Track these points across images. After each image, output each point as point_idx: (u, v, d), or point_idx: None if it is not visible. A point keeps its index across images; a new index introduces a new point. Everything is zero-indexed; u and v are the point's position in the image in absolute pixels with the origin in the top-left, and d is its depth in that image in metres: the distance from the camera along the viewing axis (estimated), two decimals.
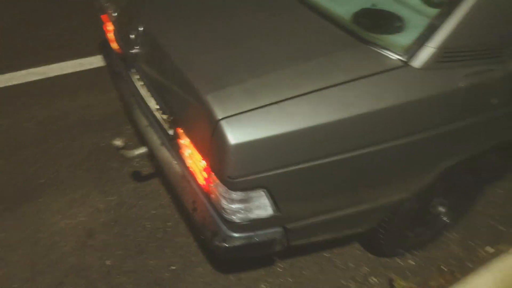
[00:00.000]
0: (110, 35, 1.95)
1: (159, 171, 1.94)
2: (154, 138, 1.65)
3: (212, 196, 1.29)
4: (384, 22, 1.39)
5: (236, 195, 1.18)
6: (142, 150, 1.77)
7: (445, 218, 1.92)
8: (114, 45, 1.97)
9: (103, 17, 1.98)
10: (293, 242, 1.44)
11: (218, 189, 1.21)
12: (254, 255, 1.43)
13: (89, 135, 2.51)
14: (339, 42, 1.33)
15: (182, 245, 1.96)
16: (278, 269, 1.88)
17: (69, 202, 2.13)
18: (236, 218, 1.25)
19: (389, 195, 1.42)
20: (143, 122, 1.73)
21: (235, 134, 1.08)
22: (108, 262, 1.88)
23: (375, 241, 1.77)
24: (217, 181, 1.20)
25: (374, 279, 1.86)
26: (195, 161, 1.34)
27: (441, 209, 1.87)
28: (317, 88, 1.18)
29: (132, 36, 1.56)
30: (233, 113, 1.11)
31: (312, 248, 1.94)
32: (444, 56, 1.26)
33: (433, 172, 1.42)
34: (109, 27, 1.94)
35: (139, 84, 1.74)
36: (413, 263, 1.93)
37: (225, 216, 1.25)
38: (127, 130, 2.56)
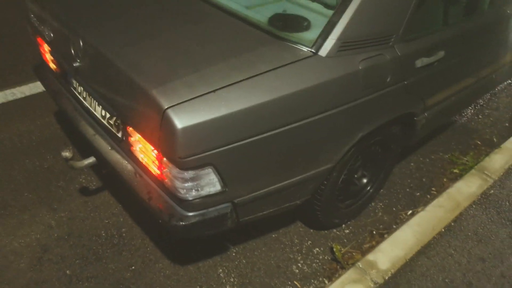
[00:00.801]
0: (48, 56, 2.05)
1: (111, 176, 2.04)
2: (103, 144, 1.78)
3: (166, 181, 1.45)
4: (294, 23, 1.68)
5: (187, 174, 1.36)
6: (91, 159, 1.89)
7: (369, 189, 2.22)
8: (52, 65, 2.07)
9: (39, 39, 2.08)
10: (242, 217, 1.64)
11: (171, 171, 1.38)
12: (209, 232, 1.60)
13: (30, 159, 2.53)
14: (259, 40, 1.59)
15: (139, 247, 2.07)
16: (232, 253, 2.06)
17: (18, 224, 2.15)
18: (189, 196, 1.42)
19: (316, 165, 1.68)
20: (90, 132, 1.85)
21: (181, 119, 1.28)
22: (68, 272, 1.93)
23: (313, 215, 2.02)
24: (170, 164, 1.37)
25: (317, 249, 2.10)
26: (147, 154, 1.50)
27: (364, 180, 2.17)
28: (246, 77, 1.41)
29: (73, 51, 1.70)
30: (177, 102, 1.30)
31: (260, 231, 2.15)
32: (343, 45, 1.56)
33: (349, 141, 1.71)
34: (46, 48, 2.04)
35: (82, 97, 1.86)
36: (348, 231, 2.21)
37: (180, 195, 1.42)
38: (69, 149, 2.61)
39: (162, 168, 1.44)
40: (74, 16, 1.80)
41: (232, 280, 1.94)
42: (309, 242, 2.14)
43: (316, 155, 1.65)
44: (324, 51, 1.54)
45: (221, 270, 1.98)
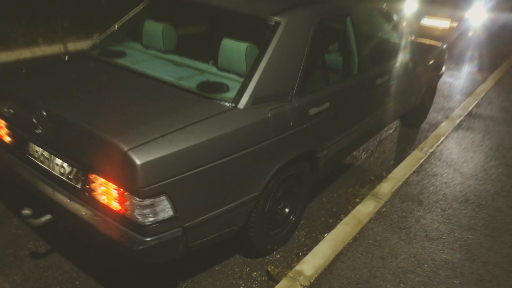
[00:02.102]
0: (3, 131, 2.33)
1: (66, 231, 2.26)
2: (62, 198, 2.06)
3: (127, 213, 1.79)
4: (217, 87, 2.24)
5: (145, 201, 1.73)
6: (47, 216, 2.15)
7: (292, 217, 2.70)
8: (7, 139, 2.35)
9: None
10: (191, 242, 1.99)
11: (131, 201, 1.74)
12: (165, 256, 1.92)
13: None
14: (192, 100, 2.11)
15: None
16: (183, 287, 2.34)
17: None
18: (147, 221, 1.77)
19: (246, 192, 2.13)
20: (48, 189, 2.12)
21: (139, 157, 1.68)
22: None
23: (248, 242, 2.41)
24: (130, 196, 1.74)
25: (255, 273, 2.47)
26: (108, 193, 1.84)
27: (287, 210, 2.65)
28: (185, 125, 1.88)
29: (35, 121, 2.04)
30: (135, 145, 1.71)
31: (205, 265, 2.47)
32: (255, 100, 2.13)
33: (269, 172, 2.20)
34: (1, 124, 2.33)
35: (40, 160, 2.16)
36: (279, 256, 2.62)
37: (139, 222, 1.77)
38: (14, 222, 2.75)
39: (123, 202, 1.79)
40: (34, 93, 2.17)
41: None
42: (248, 268, 2.50)
43: (244, 183, 2.12)
44: (241, 104, 2.09)
45: None
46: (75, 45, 6.77)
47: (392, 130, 4.59)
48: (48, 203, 2.14)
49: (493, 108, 5.16)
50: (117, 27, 2.93)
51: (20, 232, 2.66)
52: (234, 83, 2.29)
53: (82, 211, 1.99)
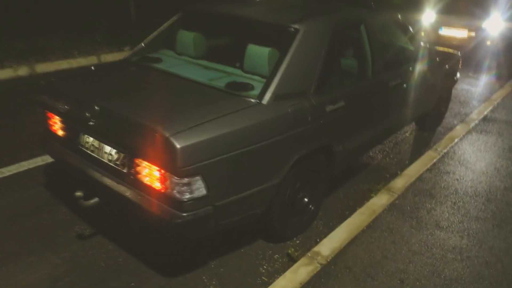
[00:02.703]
0: (58, 125, 2.69)
1: (117, 205, 2.56)
2: (110, 181, 2.38)
3: (168, 191, 2.09)
4: (243, 86, 2.54)
5: (183, 180, 2.03)
6: (96, 199, 2.48)
7: (311, 207, 2.94)
8: (60, 132, 2.71)
9: (49, 114, 2.73)
10: (220, 221, 2.27)
11: (171, 180, 2.04)
12: (199, 233, 2.21)
13: (28, 219, 2.96)
14: (222, 96, 2.42)
15: (135, 269, 2.55)
16: (211, 265, 2.61)
17: (27, 265, 2.55)
18: (184, 198, 2.07)
19: (268, 178, 2.40)
20: (97, 175, 2.45)
21: (179, 142, 1.99)
22: None
23: (271, 226, 2.67)
24: (170, 175, 2.04)
25: (277, 255, 2.72)
26: (151, 175, 2.15)
27: (306, 200, 2.90)
28: (217, 116, 2.19)
29: (88, 114, 2.38)
30: (175, 132, 2.02)
31: (231, 248, 2.74)
32: (276, 97, 2.42)
33: (289, 161, 2.48)
34: (56, 120, 2.69)
35: (90, 150, 2.49)
36: (298, 242, 2.86)
37: (178, 198, 2.06)
38: (62, 209, 3.10)
39: (164, 181, 2.09)
40: (87, 92, 2.53)
41: (214, 283, 2.48)
42: (270, 251, 2.75)
43: (267, 170, 2.39)
44: (265, 100, 2.38)
45: (204, 277, 2.51)
46: (106, 58, 7.27)
47: (408, 133, 4.79)
48: (96, 187, 2.47)
49: (508, 113, 5.29)
50: (152, 37, 3.29)
51: (68, 217, 3.00)
52: (258, 83, 2.59)
53: (127, 192, 2.30)
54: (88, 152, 2.52)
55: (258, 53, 2.65)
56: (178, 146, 1.98)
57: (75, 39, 7.61)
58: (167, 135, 2.00)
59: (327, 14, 2.95)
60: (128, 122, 2.22)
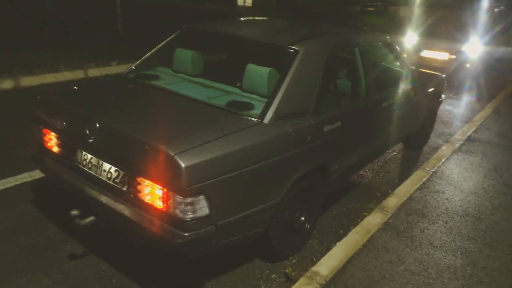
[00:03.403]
0: (53, 141, 2.64)
1: (115, 224, 2.49)
2: (108, 200, 2.34)
3: (170, 210, 2.07)
4: (244, 105, 2.55)
5: (187, 199, 2.01)
6: (91, 218, 2.42)
7: (307, 226, 2.95)
8: (56, 149, 2.65)
9: (45, 131, 2.68)
10: (222, 240, 2.25)
11: (174, 200, 2.02)
12: (200, 251, 2.18)
13: (16, 237, 2.86)
14: (223, 116, 2.42)
15: None
16: (208, 286, 2.57)
17: (16, 287, 2.46)
18: (187, 217, 2.04)
19: (270, 198, 2.40)
20: (95, 193, 2.40)
21: (184, 161, 1.98)
22: None
23: (269, 247, 2.66)
24: (174, 195, 2.02)
25: (274, 275, 2.70)
26: (153, 194, 2.12)
27: (302, 218, 2.91)
28: (220, 136, 2.19)
29: (87, 131, 2.35)
30: (180, 151, 2.01)
31: (227, 268, 2.70)
32: (277, 117, 2.44)
33: (289, 181, 2.49)
34: (52, 136, 2.63)
35: (87, 167, 2.44)
36: (295, 261, 2.85)
37: (180, 217, 2.03)
38: (51, 227, 3.00)
39: (166, 200, 2.06)
40: (87, 108, 2.50)
41: None
42: (267, 271, 2.73)
43: (268, 189, 2.39)
44: (266, 119, 2.40)
45: None
46: (94, 72, 7.20)
47: (396, 152, 4.88)
48: (93, 206, 2.41)
49: (490, 134, 5.47)
50: (149, 55, 3.29)
51: (58, 236, 2.91)
52: (257, 103, 2.61)
53: (127, 210, 2.26)
54: (85, 169, 2.47)
55: (258, 72, 2.68)
56: (183, 165, 1.96)
57: (62, 53, 7.52)
58: (172, 154, 1.99)
59: (325, 36, 3.02)
60: (130, 140, 2.19)
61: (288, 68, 2.61)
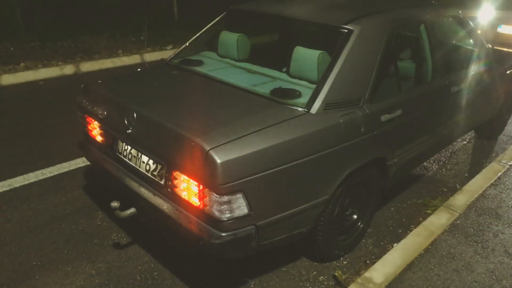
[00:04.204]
0: (96, 131, 2.60)
1: (146, 226, 2.45)
2: (147, 193, 2.25)
3: (206, 208, 1.92)
4: (290, 93, 2.32)
5: (223, 198, 1.85)
6: (132, 210, 2.35)
7: (359, 224, 2.69)
8: (99, 138, 2.61)
9: (88, 119, 2.65)
10: (262, 241, 2.07)
11: (210, 198, 1.87)
12: (238, 253, 2.02)
13: (66, 224, 2.91)
14: (267, 105, 2.21)
15: (170, 285, 2.42)
16: (251, 285, 2.42)
17: (63, 275, 2.48)
18: (224, 217, 1.88)
19: (316, 195, 2.17)
20: (134, 185, 2.32)
21: (220, 157, 1.80)
22: None
23: (316, 246, 2.44)
24: (209, 192, 1.86)
25: (322, 277, 2.49)
26: (189, 190, 1.99)
27: (355, 216, 2.65)
28: (261, 128, 1.98)
29: (126, 122, 2.25)
30: (216, 145, 1.84)
31: (271, 266, 2.54)
32: (327, 106, 2.18)
33: (339, 177, 2.23)
34: (95, 125, 2.59)
35: (128, 158, 2.37)
36: (346, 262, 2.62)
37: (216, 217, 1.88)
38: (99, 215, 3.02)
39: (202, 198, 1.92)
40: (126, 97, 2.41)
41: None
42: (314, 272, 2.53)
43: (315, 186, 2.17)
44: (313, 110, 2.15)
45: None
46: (150, 56, 7.28)
47: (466, 141, 4.38)
48: (133, 197, 2.34)
49: None
50: (195, 39, 3.14)
51: (105, 224, 2.91)
52: (305, 90, 2.36)
53: (164, 205, 2.15)
54: (126, 160, 2.40)
55: (307, 56, 2.42)
56: (218, 161, 1.79)
57: (120, 38, 7.69)
58: (207, 148, 1.82)
59: (385, 13, 2.67)
60: (166, 132, 2.06)
61: (341, 50, 2.33)
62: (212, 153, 1.81)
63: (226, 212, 1.89)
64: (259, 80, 2.59)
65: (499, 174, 3.46)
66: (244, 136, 1.92)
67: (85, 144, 2.79)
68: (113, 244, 2.73)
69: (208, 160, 1.81)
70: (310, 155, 2.07)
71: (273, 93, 2.32)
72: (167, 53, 7.38)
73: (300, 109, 2.17)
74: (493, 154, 4.10)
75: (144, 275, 2.48)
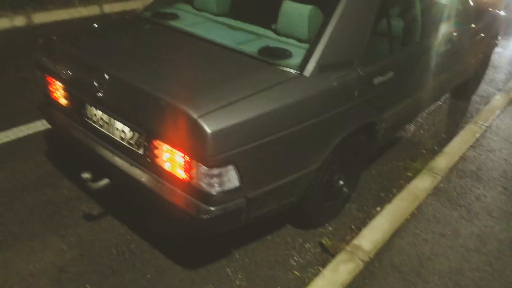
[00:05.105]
0: (60, 93, 2.30)
1: (115, 198, 2.24)
2: (123, 163, 2.03)
3: (193, 181, 1.74)
4: (280, 52, 2.11)
5: (213, 170, 1.67)
6: (105, 181, 2.13)
7: (345, 190, 2.62)
8: (63, 101, 2.32)
9: (49, 79, 2.33)
10: (252, 213, 1.94)
11: (198, 170, 1.69)
12: (228, 227, 1.89)
13: (29, 194, 2.65)
14: (256, 66, 2.00)
15: (150, 258, 2.27)
16: (236, 255, 2.32)
17: (30, 250, 2.26)
18: (213, 191, 1.72)
19: (308, 164, 2.05)
20: (108, 154, 2.09)
21: (209, 125, 1.61)
22: (88, 286, 2.08)
23: (304, 214, 2.35)
24: (197, 164, 1.68)
25: (308, 245, 2.42)
26: (173, 161, 1.79)
27: (341, 182, 2.57)
28: (252, 92, 1.79)
29: (96, 84, 1.98)
30: (205, 112, 1.64)
31: (256, 235, 2.44)
32: (321, 68, 2.01)
33: (331, 143, 2.11)
34: (58, 86, 2.29)
35: (98, 124, 2.12)
36: (331, 228, 2.56)
37: (206, 191, 1.72)
38: (66, 184, 2.77)
39: (189, 170, 1.74)
40: (95, 55, 2.11)
41: (240, 276, 2.19)
42: (300, 240, 2.45)
43: (308, 154, 2.03)
44: (307, 72, 1.97)
45: (228, 270, 2.23)
46: (110, 7, 6.68)
47: (441, 101, 4.38)
48: (106, 168, 2.12)
49: None
50: None
51: (73, 194, 2.68)
52: (295, 49, 2.16)
53: (143, 177, 1.95)
54: (97, 126, 2.15)
55: (297, 11, 2.20)
56: (209, 130, 1.60)
57: None
58: (195, 116, 1.62)
59: None
60: (145, 97, 1.82)
61: (335, 6, 2.12)
62: (201, 121, 1.61)
63: (216, 185, 1.72)
64: (243, 37, 2.36)
65: (477, 135, 3.48)
66: (235, 102, 1.72)
67: (47, 107, 2.48)
68: (84, 216, 2.52)
69: (197, 129, 1.62)
70: (304, 121, 1.91)
71: (261, 53, 2.11)
72: (129, 5, 6.81)
73: (292, 71, 1.98)
74: (467, 115, 4.13)
75: (120, 248, 2.32)
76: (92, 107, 2.11)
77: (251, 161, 1.79)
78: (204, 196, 1.76)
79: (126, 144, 2.00)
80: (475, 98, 4.52)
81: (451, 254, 2.24)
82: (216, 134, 1.61)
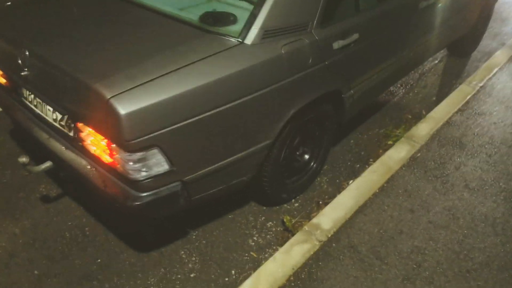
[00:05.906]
0: None
1: (69, 179, 2.15)
2: (57, 146, 1.91)
3: (118, 166, 1.61)
4: (222, 18, 1.89)
5: (135, 155, 1.53)
6: (47, 164, 2.02)
7: (312, 164, 2.45)
8: (2, 80, 2.18)
9: None
10: (194, 195, 1.81)
11: (121, 156, 1.55)
12: (165, 211, 1.77)
13: None
14: (191, 35, 1.80)
15: (103, 242, 2.19)
16: (193, 236, 2.22)
17: None
18: (139, 176, 1.59)
19: (255, 142, 1.88)
20: (44, 136, 1.97)
21: (124, 106, 1.45)
22: (36, 272, 2.03)
23: (262, 191, 2.22)
24: (119, 149, 1.54)
25: (270, 223, 2.30)
26: (98, 145, 1.65)
27: (306, 156, 2.40)
28: (181, 66, 1.60)
29: (20, 62, 1.83)
30: (118, 92, 1.47)
31: (217, 214, 2.32)
32: (265, 34, 1.79)
33: (282, 118, 1.92)
34: None
35: (33, 104, 1.98)
36: (297, 204, 2.42)
37: (131, 177, 1.58)
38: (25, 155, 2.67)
39: (113, 155, 1.60)
40: (17, 31, 1.94)
41: (194, 259, 2.10)
42: (263, 218, 2.33)
43: (252, 132, 1.86)
44: (249, 39, 1.76)
45: (183, 252, 2.14)
46: None
47: (438, 60, 4.06)
48: (45, 150, 2.00)
49: None
50: None
51: (32, 175, 2.59)
52: (244, 12, 1.93)
53: (76, 160, 1.83)
54: (32, 107, 2.01)
55: None
56: (122, 112, 1.44)
57: None
58: (107, 96, 1.46)
59: None
60: (62, 75, 1.66)
61: None
62: (113, 102, 1.45)
63: (142, 170, 1.59)
64: (190, 1, 2.13)
65: (468, 97, 3.22)
66: (157, 78, 1.55)
67: None
68: (41, 198, 2.45)
69: (110, 111, 1.46)
70: (243, 96, 1.73)
71: (202, 20, 1.89)
72: None
73: (232, 39, 1.77)
74: (465, 74, 3.82)
75: (74, 232, 2.25)
76: (23, 87, 1.97)
77: (181, 143, 1.63)
78: (131, 182, 1.63)
79: (59, 126, 1.87)
80: (476, 54, 4.18)
81: (417, 232, 2.09)
82: (131, 115, 1.46)
